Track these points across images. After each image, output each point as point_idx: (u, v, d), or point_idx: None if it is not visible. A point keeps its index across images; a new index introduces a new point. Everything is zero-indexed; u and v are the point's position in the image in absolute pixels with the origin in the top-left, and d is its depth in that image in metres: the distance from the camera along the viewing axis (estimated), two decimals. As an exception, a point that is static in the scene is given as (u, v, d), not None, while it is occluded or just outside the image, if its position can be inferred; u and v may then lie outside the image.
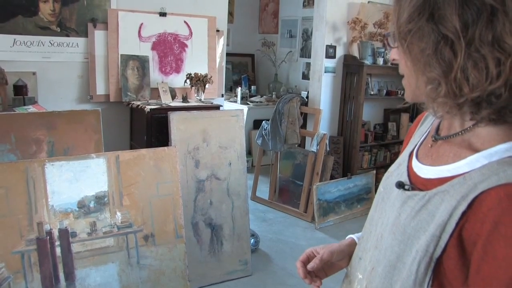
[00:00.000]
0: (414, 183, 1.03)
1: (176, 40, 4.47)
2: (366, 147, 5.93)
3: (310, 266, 1.27)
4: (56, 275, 2.59)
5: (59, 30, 3.96)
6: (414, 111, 6.11)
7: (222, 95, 4.80)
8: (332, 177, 5.36)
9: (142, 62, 4.24)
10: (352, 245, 1.30)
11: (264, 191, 5.70)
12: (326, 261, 1.28)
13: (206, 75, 4.26)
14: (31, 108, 3.38)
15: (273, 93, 7.43)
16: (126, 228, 2.76)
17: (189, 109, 3.92)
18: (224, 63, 4.90)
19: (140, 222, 2.80)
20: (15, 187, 2.51)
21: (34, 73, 3.88)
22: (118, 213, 2.74)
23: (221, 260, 3.71)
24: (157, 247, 2.87)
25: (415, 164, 1.07)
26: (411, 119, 6.13)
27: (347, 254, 1.30)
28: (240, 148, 3.78)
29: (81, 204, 2.66)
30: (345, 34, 5.57)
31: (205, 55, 4.64)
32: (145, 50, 4.32)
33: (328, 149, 5.28)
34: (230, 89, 7.57)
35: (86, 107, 4.05)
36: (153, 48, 4.36)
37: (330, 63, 5.57)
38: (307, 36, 7.31)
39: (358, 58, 5.51)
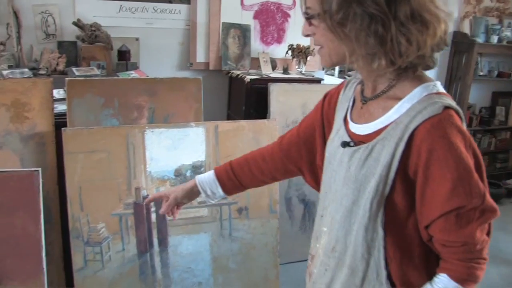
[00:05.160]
0: (356, 141, 1.20)
1: (279, 10, 4.35)
2: (470, 132, 5.53)
3: (161, 211, 1.58)
4: (151, 240, 2.63)
5: (163, -4, 3.97)
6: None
7: (323, 68, 4.65)
8: (431, 160, 5.10)
9: (243, 31, 4.16)
10: (195, 186, 1.55)
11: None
12: (173, 204, 1.56)
13: (308, 47, 4.12)
14: (133, 74, 3.41)
15: (373, 68, 7.16)
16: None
17: (289, 81, 3.82)
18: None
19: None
20: (116, 152, 2.54)
21: (137, 39, 3.92)
22: (214, 184, 2.71)
23: (311, 238, 3.63)
24: (250, 221, 2.82)
25: (352, 126, 1.24)
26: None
27: (190, 194, 1.56)
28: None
29: (178, 172, 2.65)
30: (456, 9, 5.19)
31: (307, 26, 4.49)
32: (247, 18, 4.23)
33: (429, 130, 5.00)
34: (328, 61, 7.36)
35: (186, 74, 4.05)
36: (255, 17, 4.27)
37: (438, 39, 5.22)
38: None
39: (469, 35, 5.13)
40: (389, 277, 1.18)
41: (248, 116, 3.71)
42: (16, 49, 3.51)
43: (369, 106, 1.20)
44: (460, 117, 1.10)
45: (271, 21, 4.33)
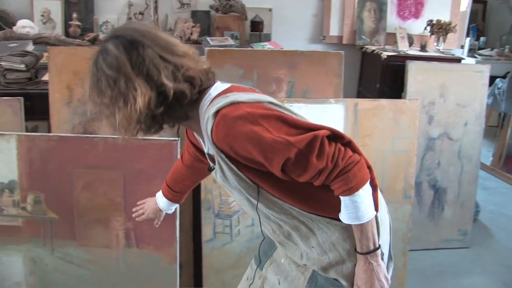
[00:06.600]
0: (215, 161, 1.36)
1: (418, -18, 4.13)
2: None
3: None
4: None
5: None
6: None
7: (462, 46, 4.36)
8: None
9: (380, 4, 3.98)
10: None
11: (485, 155, 5.15)
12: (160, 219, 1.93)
13: (450, 23, 3.85)
14: (268, 45, 3.37)
15: (506, 46, 6.62)
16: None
17: (428, 59, 3.60)
18: (469, 10, 4.41)
19: (371, 176, 2.64)
20: (253, 125, 2.50)
21: (270, 10, 3.87)
22: (350, 164, 2.61)
23: (439, 226, 3.46)
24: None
25: (206, 150, 1.42)
26: None
27: (163, 212, 1.90)
28: (480, 108, 3.40)
29: (314, 149, 2.57)
30: None
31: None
32: (383, -9, 4.04)
33: None
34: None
35: (317, 47, 3.97)
36: (392, -10, 4.08)
37: None
38: None
39: None
40: (325, 217, 1.35)
41: (382, 94, 3.57)
42: (153, 18, 3.57)
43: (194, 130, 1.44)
44: (235, 104, 1.21)
45: (410, -6, 4.11)
